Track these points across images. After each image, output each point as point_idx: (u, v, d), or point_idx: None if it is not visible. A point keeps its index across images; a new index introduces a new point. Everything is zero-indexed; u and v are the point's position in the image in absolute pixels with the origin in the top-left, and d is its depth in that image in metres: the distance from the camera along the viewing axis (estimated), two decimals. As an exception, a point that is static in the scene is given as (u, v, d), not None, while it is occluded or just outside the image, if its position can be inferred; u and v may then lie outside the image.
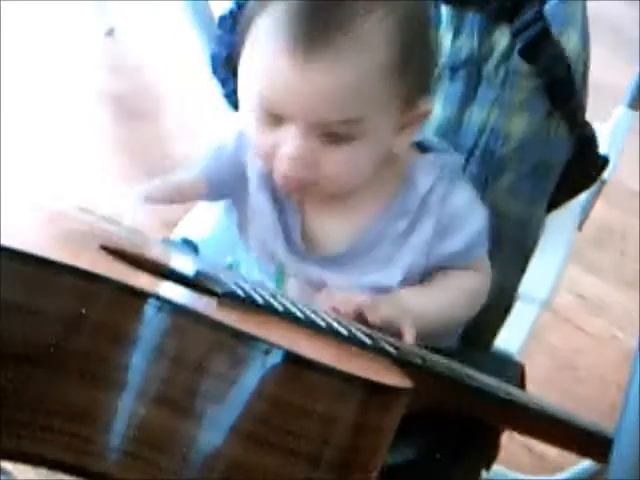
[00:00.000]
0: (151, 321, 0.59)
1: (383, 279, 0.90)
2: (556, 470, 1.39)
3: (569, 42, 0.98)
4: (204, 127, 1.77)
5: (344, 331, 0.69)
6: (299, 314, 0.69)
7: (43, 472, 0.61)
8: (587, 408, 1.41)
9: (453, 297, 0.92)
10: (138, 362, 0.59)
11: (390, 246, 0.90)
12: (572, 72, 0.98)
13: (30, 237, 0.67)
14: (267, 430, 0.58)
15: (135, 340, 0.59)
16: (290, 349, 0.59)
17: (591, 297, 1.72)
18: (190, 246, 1.04)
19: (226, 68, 1.11)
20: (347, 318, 0.78)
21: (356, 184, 0.88)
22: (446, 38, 1.03)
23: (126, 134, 2.05)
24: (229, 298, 0.66)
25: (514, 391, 0.82)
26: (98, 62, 2.24)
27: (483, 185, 0.99)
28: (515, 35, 0.99)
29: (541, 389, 1.02)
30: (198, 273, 0.68)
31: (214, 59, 1.11)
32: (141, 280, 0.64)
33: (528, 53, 0.98)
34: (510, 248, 1.01)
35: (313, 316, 0.70)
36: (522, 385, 0.93)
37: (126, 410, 0.59)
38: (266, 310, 0.68)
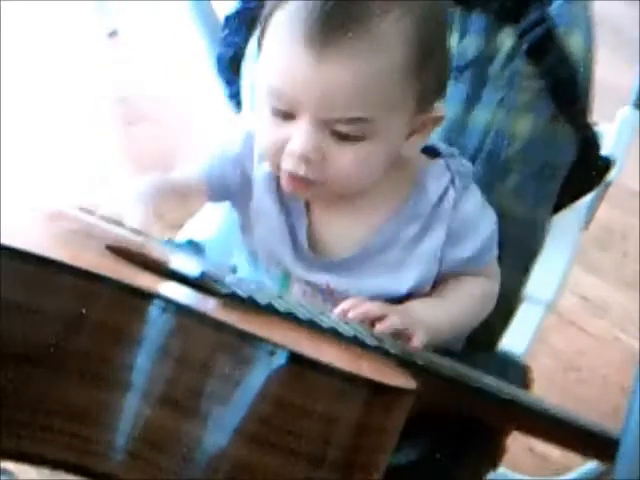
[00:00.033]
0: (155, 321, 0.59)
1: (392, 284, 0.90)
2: (558, 471, 1.39)
3: (574, 43, 0.98)
4: (206, 128, 1.77)
5: (349, 332, 0.69)
6: (302, 315, 0.68)
7: (45, 472, 0.61)
8: (590, 409, 1.42)
9: (465, 305, 0.92)
10: (141, 362, 0.59)
11: (400, 251, 0.90)
12: (577, 73, 0.98)
13: (30, 237, 0.67)
14: (271, 431, 0.58)
15: (137, 340, 0.59)
16: (295, 350, 0.59)
17: (593, 298, 1.72)
18: (196, 247, 1.04)
19: (231, 69, 1.11)
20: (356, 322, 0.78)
21: (363, 186, 0.87)
22: (452, 39, 1.03)
23: (128, 135, 2.06)
24: (232, 299, 0.66)
25: (517, 392, 0.82)
26: (101, 63, 2.24)
27: (488, 186, 0.99)
28: (521, 36, 0.99)
29: (544, 390, 1.01)
30: (203, 274, 0.68)
31: (219, 60, 1.11)
32: (145, 280, 0.64)
33: (533, 54, 0.98)
34: (515, 249, 1.01)
35: (318, 317, 0.69)
36: (527, 386, 0.93)
37: (127, 410, 0.59)
38: (268, 311, 0.67)
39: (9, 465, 1.09)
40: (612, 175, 1.05)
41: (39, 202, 0.78)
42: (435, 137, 0.96)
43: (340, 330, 0.69)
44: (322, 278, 0.91)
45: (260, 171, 0.93)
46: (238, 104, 1.13)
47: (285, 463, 0.58)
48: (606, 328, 1.67)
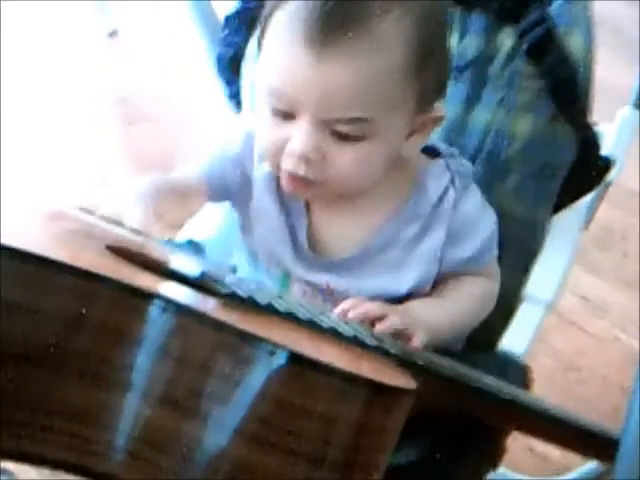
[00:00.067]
0: (155, 321, 0.59)
1: (392, 284, 0.90)
2: (558, 471, 1.39)
3: (574, 43, 0.98)
4: (206, 128, 1.77)
5: (349, 332, 0.69)
6: (302, 315, 0.68)
7: (45, 472, 0.61)
8: (590, 409, 1.42)
9: (465, 306, 0.92)
10: (141, 362, 0.59)
11: (400, 251, 0.90)
12: (577, 73, 0.98)
13: (30, 237, 0.67)
14: (271, 431, 0.58)
15: (138, 340, 0.59)
16: (295, 350, 0.59)
17: (593, 298, 1.72)
18: (196, 247, 1.04)
19: (231, 69, 1.11)
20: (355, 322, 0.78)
21: (363, 186, 0.87)
22: (452, 39, 1.03)
23: (128, 135, 2.05)
24: (232, 299, 0.66)
25: (517, 392, 0.82)
26: (101, 63, 2.24)
27: (488, 186, 0.99)
28: (521, 36, 0.99)
29: (544, 390, 1.01)
30: (203, 274, 0.68)
31: (219, 60, 1.11)
32: (145, 280, 0.64)
33: (533, 54, 0.98)
34: (515, 249, 1.01)
35: (318, 317, 0.69)
36: (527, 386, 0.93)
37: (127, 410, 0.59)
38: (268, 311, 0.67)
39: (9, 465, 1.09)
40: (612, 175, 1.05)
41: (39, 202, 0.78)
42: (435, 137, 0.96)
43: (340, 330, 0.69)
44: (322, 278, 0.91)
45: (260, 171, 0.93)
46: (238, 104, 1.13)
47: (285, 463, 0.58)
48: (606, 328, 1.67)
